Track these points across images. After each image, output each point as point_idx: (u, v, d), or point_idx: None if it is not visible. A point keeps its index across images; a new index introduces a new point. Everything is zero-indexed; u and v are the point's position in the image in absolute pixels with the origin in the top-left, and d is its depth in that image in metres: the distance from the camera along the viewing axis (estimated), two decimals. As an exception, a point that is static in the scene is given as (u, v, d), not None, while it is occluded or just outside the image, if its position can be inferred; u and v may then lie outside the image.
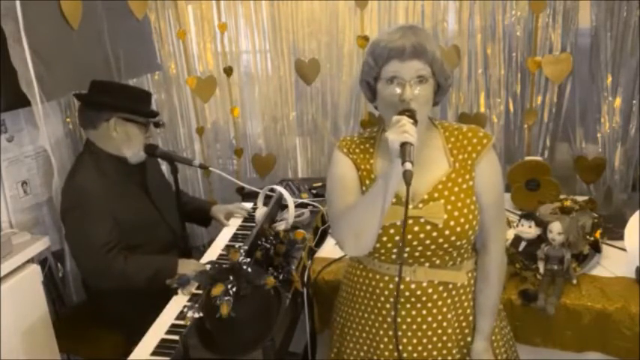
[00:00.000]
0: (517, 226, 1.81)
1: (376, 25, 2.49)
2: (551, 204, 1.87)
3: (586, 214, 1.83)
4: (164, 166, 2.38)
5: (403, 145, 1.09)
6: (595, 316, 1.59)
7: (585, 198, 2.21)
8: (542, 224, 1.74)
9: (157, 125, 2.11)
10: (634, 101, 2.26)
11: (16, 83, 1.88)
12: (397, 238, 1.27)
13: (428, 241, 1.28)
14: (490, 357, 1.38)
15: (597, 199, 2.31)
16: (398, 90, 1.21)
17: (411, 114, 1.16)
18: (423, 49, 1.20)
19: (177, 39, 2.73)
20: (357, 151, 1.36)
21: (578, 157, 2.42)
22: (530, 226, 1.76)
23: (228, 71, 2.73)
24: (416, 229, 1.27)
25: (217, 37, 2.71)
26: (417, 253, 1.30)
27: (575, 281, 1.67)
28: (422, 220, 1.27)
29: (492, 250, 1.36)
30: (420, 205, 1.28)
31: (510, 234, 1.83)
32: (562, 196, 2.07)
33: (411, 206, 1.26)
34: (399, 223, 1.26)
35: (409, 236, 1.27)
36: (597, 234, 1.84)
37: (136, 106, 2.01)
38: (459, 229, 1.27)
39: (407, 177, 1.06)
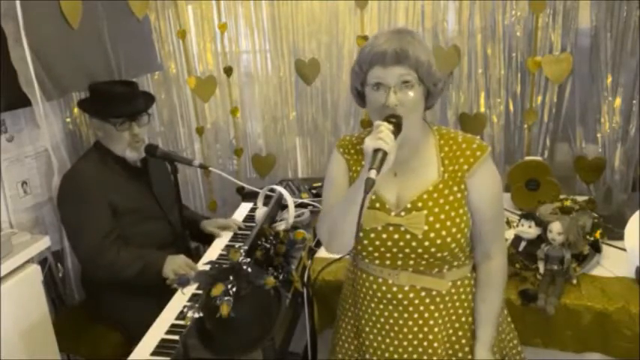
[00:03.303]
0: (517, 226, 1.81)
1: (376, 25, 2.49)
2: (551, 204, 1.87)
3: (586, 214, 1.83)
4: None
5: (375, 151, 1.10)
6: (595, 316, 1.59)
7: (585, 198, 2.21)
8: (542, 224, 1.74)
9: (133, 119, 2.01)
10: (634, 101, 2.26)
11: (16, 83, 1.88)
12: (377, 242, 1.29)
13: (407, 250, 1.28)
14: None
15: (597, 199, 2.31)
16: (383, 96, 1.20)
17: (396, 120, 1.16)
18: (405, 54, 1.18)
19: (178, 39, 2.73)
20: (352, 152, 1.37)
21: (578, 157, 2.42)
22: (530, 226, 1.76)
23: (228, 71, 2.73)
24: (396, 236, 1.27)
25: (217, 37, 2.71)
26: (399, 262, 1.30)
27: (575, 281, 1.68)
28: (402, 229, 1.27)
29: (496, 259, 1.36)
30: (403, 214, 1.28)
31: (510, 234, 1.82)
32: (562, 196, 2.07)
33: (393, 213, 1.28)
34: (379, 228, 1.28)
35: (389, 243, 1.28)
36: (597, 234, 1.84)
37: (103, 107, 2.00)
38: (439, 241, 1.25)
39: (367, 184, 1.07)
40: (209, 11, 2.68)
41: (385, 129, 1.12)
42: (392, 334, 1.36)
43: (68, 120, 2.38)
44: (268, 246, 1.71)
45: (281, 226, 2.01)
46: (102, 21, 2.28)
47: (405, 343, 1.35)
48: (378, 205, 1.28)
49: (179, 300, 1.73)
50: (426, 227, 1.25)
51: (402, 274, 1.31)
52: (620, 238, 1.79)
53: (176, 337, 1.48)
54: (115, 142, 2.02)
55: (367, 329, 1.39)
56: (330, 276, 1.82)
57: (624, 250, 1.78)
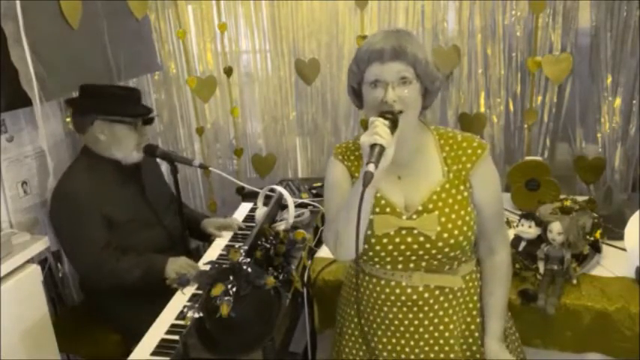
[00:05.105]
0: (517, 226, 1.81)
1: (376, 25, 2.49)
2: (551, 204, 1.87)
3: (586, 214, 1.82)
4: (164, 167, 2.38)
5: (372, 146, 1.10)
6: (595, 316, 1.59)
7: (585, 198, 2.21)
8: (542, 224, 1.74)
9: (145, 122, 2.04)
10: (634, 101, 2.27)
11: (16, 83, 1.88)
12: (390, 247, 1.28)
13: (421, 252, 1.28)
14: (508, 356, 1.37)
15: (597, 199, 2.31)
16: (381, 93, 1.20)
17: (393, 116, 1.16)
18: (403, 50, 1.19)
19: (178, 39, 2.73)
20: (352, 157, 1.36)
21: (578, 157, 2.42)
22: (530, 226, 1.76)
23: (228, 71, 2.73)
24: (409, 239, 1.27)
25: (217, 37, 2.71)
26: (411, 264, 1.31)
27: (575, 281, 1.67)
28: (415, 232, 1.27)
29: (501, 253, 1.39)
30: (414, 216, 1.28)
31: (510, 234, 1.82)
32: (562, 196, 2.07)
33: (404, 216, 1.28)
34: (392, 232, 1.28)
35: (402, 246, 1.28)
36: (597, 234, 1.84)
37: (117, 106, 1.99)
38: (452, 241, 1.27)
39: (366, 178, 1.06)
40: (209, 11, 2.68)
41: (380, 124, 1.13)
42: (407, 335, 1.36)
43: (68, 120, 2.38)
44: (268, 246, 1.71)
45: (281, 226, 2.01)
46: (102, 21, 2.28)
47: (422, 343, 1.35)
48: (388, 209, 1.28)
49: (179, 300, 1.73)
50: (438, 228, 1.26)
51: (414, 275, 1.32)
52: (620, 238, 1.79)
53: (176, 337, 1.48)
54: (123, 144, 2.00)
55: (380, 333, 1.38)
56: (330, 276, 1.82)
57: (624, 250, 1.78)
